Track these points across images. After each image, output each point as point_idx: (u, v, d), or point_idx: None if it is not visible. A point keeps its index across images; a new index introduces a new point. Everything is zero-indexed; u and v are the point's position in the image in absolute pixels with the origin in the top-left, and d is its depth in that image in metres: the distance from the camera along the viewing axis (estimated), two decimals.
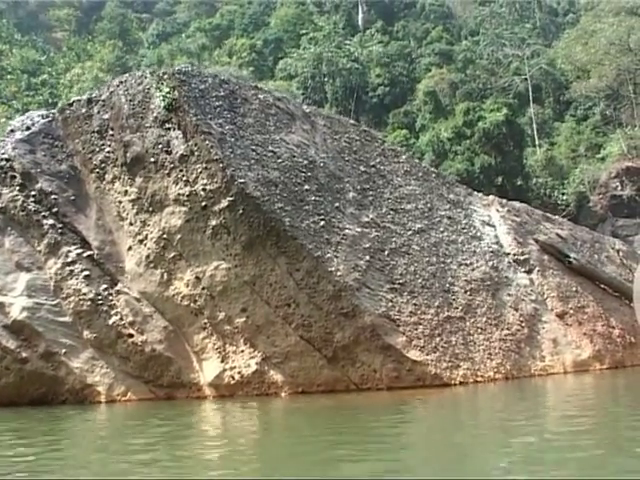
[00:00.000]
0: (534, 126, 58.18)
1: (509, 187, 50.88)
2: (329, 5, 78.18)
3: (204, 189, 14.46)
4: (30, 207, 15.34)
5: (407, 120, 61.44)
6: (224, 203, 14.31)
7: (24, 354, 14.49)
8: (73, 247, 15.16)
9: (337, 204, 15.48)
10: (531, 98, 59.75)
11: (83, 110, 16.09)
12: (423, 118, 60.07)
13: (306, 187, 15.14)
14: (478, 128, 51.58)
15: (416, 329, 14.70)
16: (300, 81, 66.58)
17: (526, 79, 60.94)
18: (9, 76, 67.94)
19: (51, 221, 15.28)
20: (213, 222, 14.49)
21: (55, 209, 15.39)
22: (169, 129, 14.98)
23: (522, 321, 16.78)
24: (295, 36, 72.96)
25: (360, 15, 77.23)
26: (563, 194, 53.07)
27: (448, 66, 64.27)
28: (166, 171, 14.90)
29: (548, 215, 20.98)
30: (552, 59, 63.67)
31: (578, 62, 56.92)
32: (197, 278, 14.68)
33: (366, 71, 66.70)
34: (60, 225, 15.30)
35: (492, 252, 17.74)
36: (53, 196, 15.42)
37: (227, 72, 62.74)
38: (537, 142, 57.52)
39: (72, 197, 15.58)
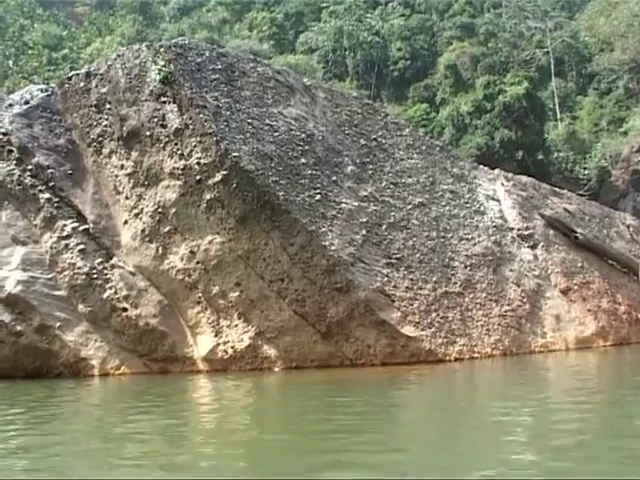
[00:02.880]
0: (556, 100, 57.41)
1: (530, 161, 50.33)
2: None
3: (198, 163, 14.37)
4: (26, 181, 15.33)
5: (427, 94, 60.87)
6: (218, 177, 14.22)
7: (19, 327, 14.54)
8: (69, 221, 15.16)
9: (334, 178, 15.32)
10: (553, 71, 58.89)
11: (81, 84, 16.00)
12: (443, 92, 59.46)
13: (303, 161, 14.99)
14: (498, 102, 50.98)
15: (412, 304, 14.56)
16: (321, 55, 66.14)
17: (548, 52, 60.07)
18: (30, 51, 67.91)
19: (47, 195, 15.27)
20: (207, 196, 14.41)
21: (51, 183, 15.36)
22: (164, 103, 14.87)
23: (524, 297, 16.60)
24: (316, 9, 72.26)
25: None
26: (585, 169, 52.41)
27: (470, 39, 63.34)
28: (161, 145, 14.82)
29: (556, 189, 20.70)
30: (575, 32, 62.67)
31: (601, 34, 56.00)
32: (192, 252, 14.62)
33: (387, 45, 66.06)
34: (56, 199, 15.29)
35: (495, 227, 17.53)
36: (50, 170, 15.40)
37: (247, 46, 62.66)
38: (559, 116, 56.77)
39: (69, 171, 15.54)
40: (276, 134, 14.97)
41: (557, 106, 57.20)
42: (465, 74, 59.62)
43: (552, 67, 59.04)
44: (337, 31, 65.88)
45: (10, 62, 66.44)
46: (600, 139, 52.96)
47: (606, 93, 58.31)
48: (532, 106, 51.15)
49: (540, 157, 51.44)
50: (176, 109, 14.69)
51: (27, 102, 16.16)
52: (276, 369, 14.40)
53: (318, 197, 14.70)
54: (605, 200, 47.26)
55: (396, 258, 15.07)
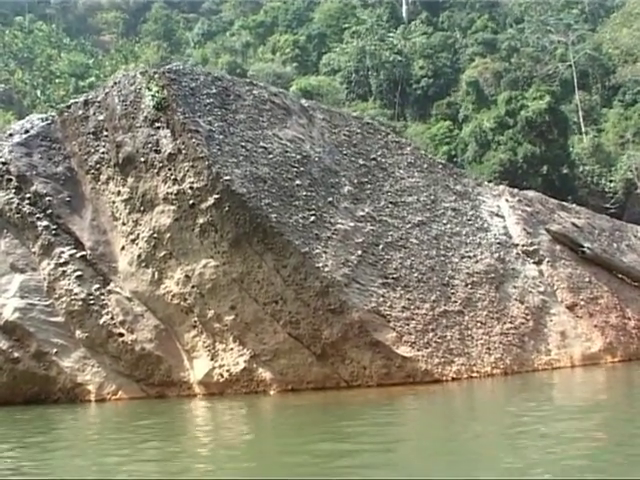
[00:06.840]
0: (580, 113, 56.96)
1: (555, 176, 50.05)
2: None
3: (191, 187, 14.41)
4: (25, 209, 15.49)
5: (450, 111, 60.87)
6: (210, 201, 14.24)
7: (16, 354, 14.66)
8: (66, 248, 15.26)
9: (330, 198, 15.27)
10: (576, 85, 58.48)
11: (80, 112, 16.17)
12: (466, 109, 59.42)
13: (297, 182, 14.96)
14: (521, 117, 50.85)
15: (408, 324, 14.43)
16: (344, 75, 66.54)
17: (571, 65, 59.70)
18: (57, 80, 69.21)
19: (45, 222, 15.40)
20: (201, 220, 14.43)
21: (50, 211, 15.49)
22: (158, 128, 14.95)
23: (527, 314, 16.37)
24: (338, 30, 72.73)
25: (404, 7, 76.70)
26: (611, 181, 51.94)
27: (492, 55, 63.33)
28: (155, 170, 14.89)
29: (564, 204, 20.46)
30: (598, 44, 62.25)
31: (624, 46, 55.51)
32: (187, 276, 14.65)
33: (410, 63, 66.22)
34: (54, 226, 15.41)
35: (499, 243, 17.34)
36: (48, 198, 15.53)
37: (271, 68, 63.01)
38: (584, 129, 56.31)
39: (67, 198, 15.67)
40: (270, 156, 14.96)
41: (581, 119, 56.78)
42: (488, 90, 59.54)
43: (575, 80, 58.66)
44: (359, 51, 66.24)
45: (38, 92, 67.66)
46: (626, 151, 52.44)
47: (631, 105, 57.72)
48: (555, 120, 50.91)
49: (565, 171, 51.06)
50: (169, 134, 14.75)
51: (27, 131, 16.35)
52: (272, 392, 14.33)
53: (312, 218, 14.65)
54: (632, 212, 46.77)
55: (393, 278, 14.96)
